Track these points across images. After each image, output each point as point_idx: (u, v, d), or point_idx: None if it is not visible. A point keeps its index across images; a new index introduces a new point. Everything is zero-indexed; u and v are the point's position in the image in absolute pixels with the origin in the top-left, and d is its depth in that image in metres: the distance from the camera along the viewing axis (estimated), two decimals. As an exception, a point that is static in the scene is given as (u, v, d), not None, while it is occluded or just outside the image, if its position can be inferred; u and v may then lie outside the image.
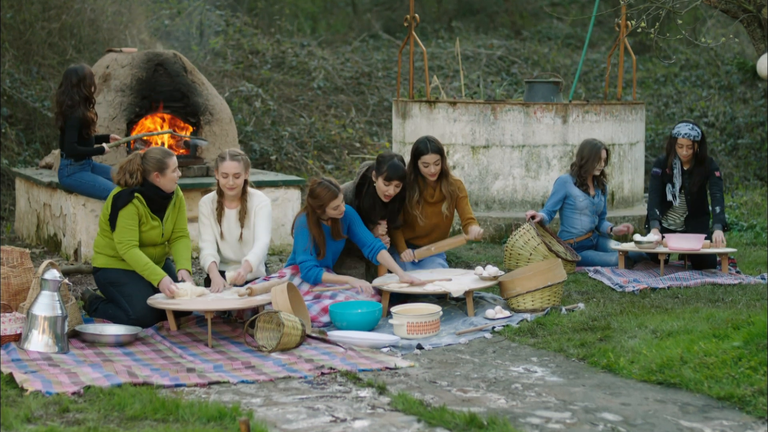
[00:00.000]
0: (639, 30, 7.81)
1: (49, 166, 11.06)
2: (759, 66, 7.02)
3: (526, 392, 5.79)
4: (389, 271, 7.93)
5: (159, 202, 7.31)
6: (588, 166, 9.35)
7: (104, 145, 9.23)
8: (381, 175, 7.89)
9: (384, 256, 7.80)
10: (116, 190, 7.29)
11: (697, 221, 9.41)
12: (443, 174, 8.30)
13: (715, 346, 6.23)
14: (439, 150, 8.23)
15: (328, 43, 20.65)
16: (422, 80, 16.81)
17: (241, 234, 7.73)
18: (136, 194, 7.20)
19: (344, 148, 15.79)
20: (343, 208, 7.60)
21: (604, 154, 9.39)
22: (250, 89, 16.17)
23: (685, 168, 9.31)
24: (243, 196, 7.74)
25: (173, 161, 7.29)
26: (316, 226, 7.59)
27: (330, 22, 23.88)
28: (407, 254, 8.16)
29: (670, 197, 9.36)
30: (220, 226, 7.72)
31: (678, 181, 9.30)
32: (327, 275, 7.63)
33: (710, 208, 9.36)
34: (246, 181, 7.74)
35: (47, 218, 10.21)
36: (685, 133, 9.17)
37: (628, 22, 10.95)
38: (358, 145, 15.98)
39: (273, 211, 8.75)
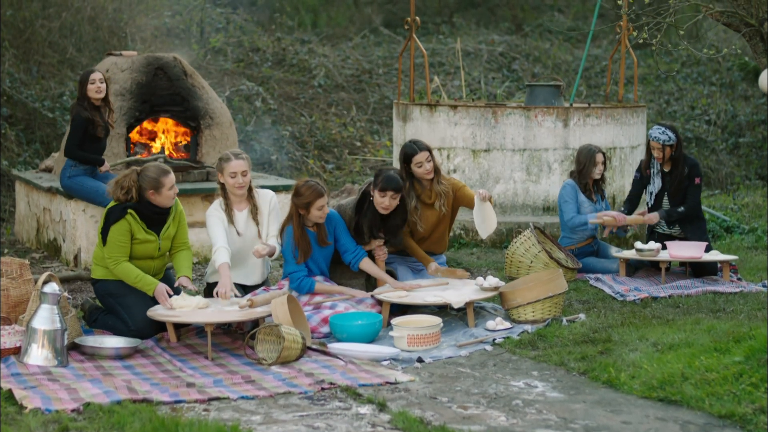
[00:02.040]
0: (641, 41, 7.79)
1: (49, 170, 11.03)
2: (761, 82, 6.99)
3: (526, 409, 5.77)
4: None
5: (154, 217, 7.28)
6: (586, 171, 9.35)
7: (105, 160, 9.27)
8: (376, 187, 7.86)
9: (366, 264, 7.81)
10: (111, 204, 7.27)
11: (694, 227, 9.39)
12: (435, 171, 8.33)
13: (717, 362, 6.21)
14: (427, 147, 8.29)
15: (328, 39, 20.60)
16: (422, 77, 16.76)
17: (258, 232, 7.77)
18: (129, 210, 7.17)
19: (345, 148, 15.75)
20: (327, 211, 7.61)
21: (600, 157, 9.39)
22: (251, 88, 16.13)
23: (666, 170, 9.36)
24: (250, 193, 7.77)
25: (169, 179, 7.23)
26: (300, 229, 7.57)
27: (331, 15, 23.81)
28: (433, 267, 8.15)
29: (647, 198, 9.41)
30: (235, 226, 7.71)
31: (657, 182, 9.35)
32: (320, 285, 7.62)
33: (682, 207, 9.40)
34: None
35: (47, 223, 10.19)
36: (655, 137, 9.26)
37: (630, 26, 10.91)
38: (359, 144, 15.94)
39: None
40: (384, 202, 7.84)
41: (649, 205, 9.45)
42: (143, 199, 7.22)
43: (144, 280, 7.18)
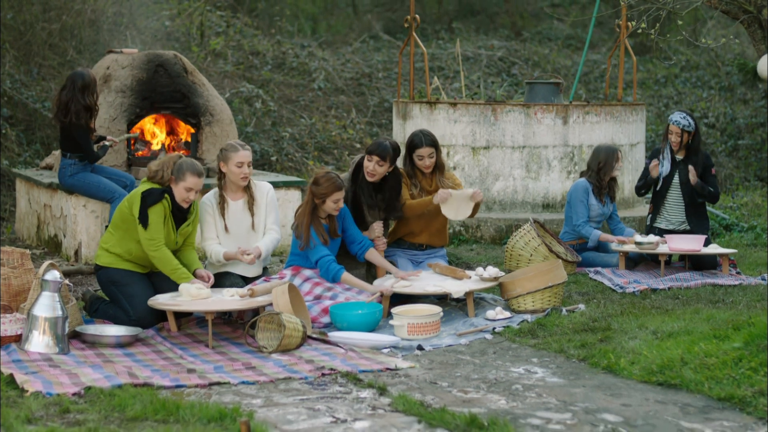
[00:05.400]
0: (639, 31, 7.82)
1: (49, 167, 11.06)
2: (759, 67, 7.03)
3: (526, 393, 5.79)
4: (389, 273, 7.95)
5: (176, 213, 7.31)
6: (606, 168, 9.35)
7: (106, 143, 9.33)
8: (367, 153, 8.04)
9: (372, 254, 7.87)
10: (144, 186, 7.27)
11: (698, 221, 9.43)
12: (439, 167, 8.39)
13: (716, 347, 6.23)
14: (433, 143, 8.33)
15: (328, 44, 20.65)
16: (422, 81, 16.81)
17: (253, 222, 7.79)
18: (165, 195, 7.20)
19: (345, 149, 15.79)
20: (342, 205, 7.64)
21: (620, 154, 9.46)
22: (251, 90, 16.17)
23: (679, 158, 9.40)
24: (247, 185, 7.81)
25: (192, 180, 7.21)
26: (314, 217, 7.61)
27: (330, 23, 23.88)
28: (439, 195, 8.20)
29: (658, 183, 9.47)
30: (224, 219, 7.74)
31: (666, 166, 9.41)
32: (346, 276, 7.63)
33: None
34: None
35: (47, 219, 10.21)
36: (675, 120, 9.38)
37: (629, 23, 10.96)
38: (358, 146, 15.98)
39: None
40: (369, 166, 8.00)
41: (658, 188, 9.47)
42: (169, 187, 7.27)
43: (181, 272, 7.18)
